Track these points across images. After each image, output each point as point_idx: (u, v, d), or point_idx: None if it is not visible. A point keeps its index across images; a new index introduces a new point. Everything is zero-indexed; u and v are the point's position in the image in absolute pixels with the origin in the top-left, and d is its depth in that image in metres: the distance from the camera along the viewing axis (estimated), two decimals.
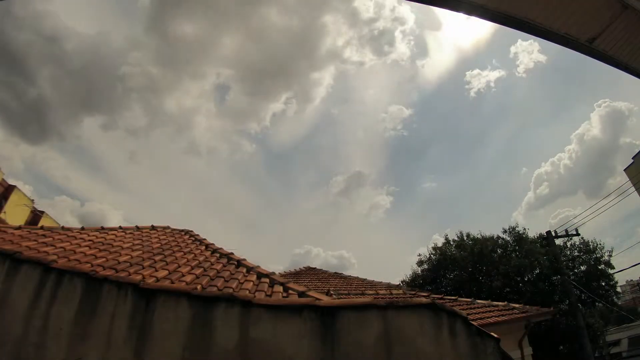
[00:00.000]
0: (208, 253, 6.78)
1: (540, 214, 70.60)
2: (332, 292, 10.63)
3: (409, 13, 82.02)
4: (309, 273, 16.60)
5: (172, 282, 4.68)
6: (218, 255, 6.69)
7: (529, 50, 71.22)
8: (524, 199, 69.66)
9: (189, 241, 7.65)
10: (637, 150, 21.83)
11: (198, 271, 5.34)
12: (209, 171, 70.26)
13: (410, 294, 12.62)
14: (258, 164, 76.79)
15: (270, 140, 79.11)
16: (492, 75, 74.31)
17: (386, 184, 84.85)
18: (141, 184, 61.85)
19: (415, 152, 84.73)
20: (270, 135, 79.22)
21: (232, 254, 6.80)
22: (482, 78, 72.85)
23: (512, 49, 74.13)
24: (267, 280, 5.36)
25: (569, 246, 20.14)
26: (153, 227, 8.49)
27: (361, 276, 16.01)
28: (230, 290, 4.40)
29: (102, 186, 54.16)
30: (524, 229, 21.37)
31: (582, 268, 19.64)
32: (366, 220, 78.84)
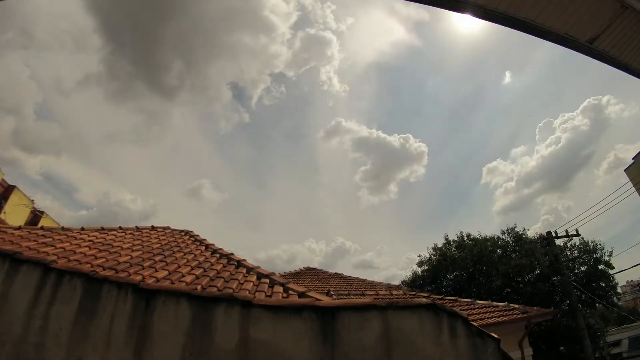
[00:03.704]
0: (208, 253, 6.78)
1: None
2: (332, 293, 10.63)
3: None
4: (309, 273, 16.59)
5: (172, 283, 4.67)
6: (218, 255, 6.69)
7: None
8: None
9: (189, 241, 7.65)
10: None
11: (198, 271, 5.34)
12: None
13: (410, 295, 12.62)
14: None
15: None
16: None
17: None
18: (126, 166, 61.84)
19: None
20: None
21: (232, 254, 6.80)
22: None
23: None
24: (267, 280, 5.35)
25: (569, 246, 20.12)
26: (153, 228, 8.49)
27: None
28: (230, 291, 4.40)
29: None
30: (524, 229, 21.41)
31: (582, 268, 19.61)
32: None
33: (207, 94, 77.83)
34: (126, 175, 64.54)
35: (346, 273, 17.09)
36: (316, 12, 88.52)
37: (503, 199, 74.77)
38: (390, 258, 79.21)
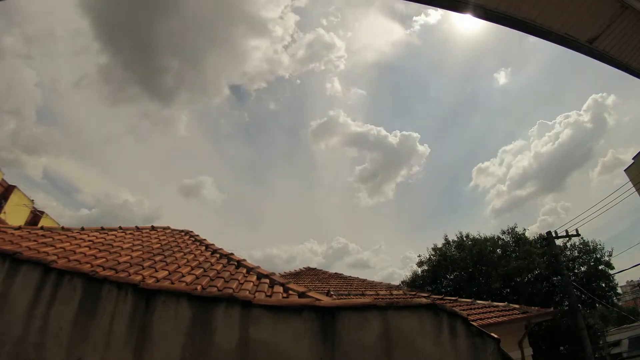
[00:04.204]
0: (208, 253, 6.78)
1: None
2: (332, 293, 10.63)
3: None
4: (309, 273, 16.59)
5: (172, 283, 4.67)
6: (218, 255, 6.68)
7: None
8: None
9: (189, 241, 7.65)
10: None
11: (198, 272, 5.33)
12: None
13: (410, 295, 12.62)
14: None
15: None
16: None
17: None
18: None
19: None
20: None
21: (232, 254, 6.80)
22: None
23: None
24: (267, 280, 5.35)
25: (569, 247, 20.12)
26: (153, 228, 8.49)
27: None
28: (230, 291, 4.40)
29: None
30: (524, 229, 21.44)
31: (582, 269, 19.61)
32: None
33: (207, 94, 78.08)
34: (126, 175, 64.75)
35: (343, 273, 17.11)
36: (318, 14, 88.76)
37: (498, 199, 75.05)
38: (387, 257, 79.45)
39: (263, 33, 74.22)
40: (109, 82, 65.27)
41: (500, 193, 75.17)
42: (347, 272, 17.07)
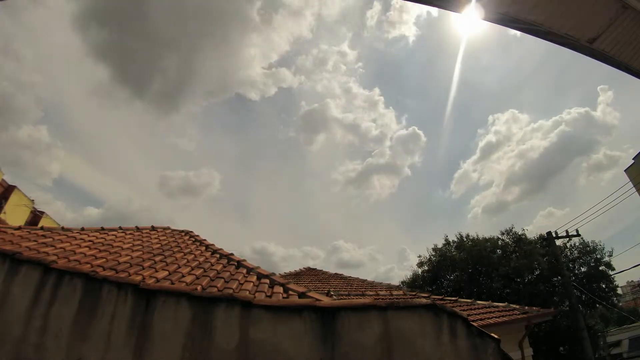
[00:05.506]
0: (208, 254, 6.78)
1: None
2: (332, 293, 10.62)
3: None
4: (309, 274, 16.58)
5: (172, 283, 4.67)
6: (218, 256, 6.68)
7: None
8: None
9: (189, 242, 7.65)
10: None
11: (198, 272, 5.33)
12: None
13: (410, 295, 12.60)
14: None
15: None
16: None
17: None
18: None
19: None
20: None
21: (232, 254, 6.80)
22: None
23: None
24: (267, 281, 5.35)
25: (569, 247, 20.12)
26: (153, 228, 8.48)
27: None
28: (230, 291, 4.39)
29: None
30: (523, 229, 21.45)
31: (583, 269, 19.62)
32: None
33: (210, 94, 78.11)
34: (126, 173, 64.71)
35: (342, 273, 17.10)
36: (318, 15, 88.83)
37: (492, 198, 74.94)
38: (385, 256, 79.46)
39: (263, 38, 74.29)
40: (117, 83, 65.31)
41: (499, 192, 75.18)
42: (343, 271, 17.18)
